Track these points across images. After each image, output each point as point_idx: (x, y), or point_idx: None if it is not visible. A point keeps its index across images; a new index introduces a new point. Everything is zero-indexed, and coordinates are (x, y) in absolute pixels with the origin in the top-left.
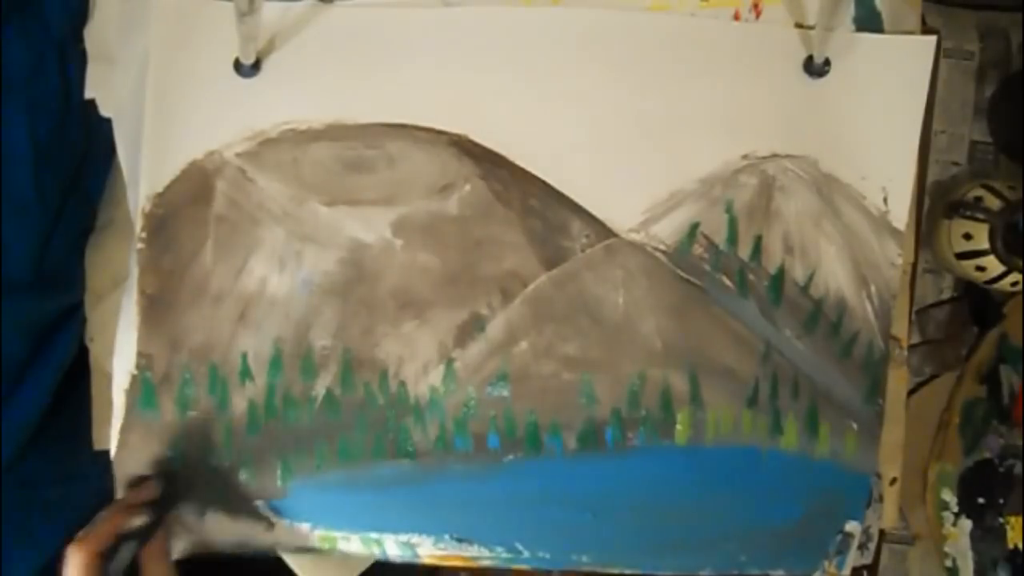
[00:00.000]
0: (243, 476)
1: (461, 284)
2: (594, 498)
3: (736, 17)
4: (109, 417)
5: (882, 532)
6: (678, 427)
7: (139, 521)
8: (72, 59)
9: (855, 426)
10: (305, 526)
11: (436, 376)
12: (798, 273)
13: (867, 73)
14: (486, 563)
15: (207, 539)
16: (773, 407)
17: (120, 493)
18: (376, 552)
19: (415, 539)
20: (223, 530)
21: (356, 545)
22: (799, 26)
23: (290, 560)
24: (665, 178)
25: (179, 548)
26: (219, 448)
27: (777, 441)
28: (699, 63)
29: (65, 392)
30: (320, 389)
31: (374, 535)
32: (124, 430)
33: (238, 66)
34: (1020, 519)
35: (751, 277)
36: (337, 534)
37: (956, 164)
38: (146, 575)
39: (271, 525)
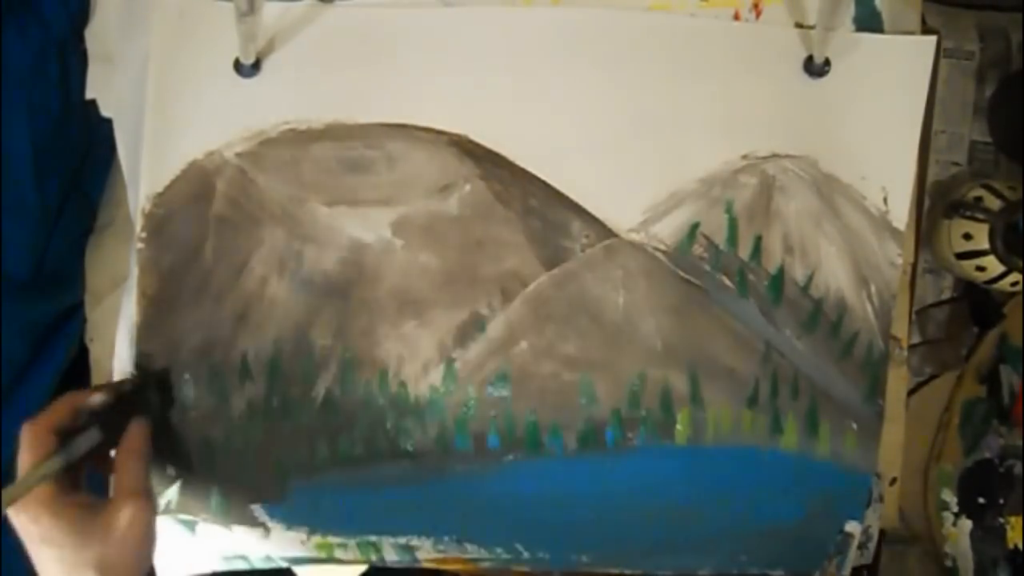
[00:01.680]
0: (241, 477)
1: (461, 284)
2: (594, 498)
3: (736, 17)
4: None
5: (882, 532)
6: (678, 427)
7: (98, 399)
8: (72, 59)
9: (855, 426)
10: (302, 531)
11: (436, 376)
12: (798, 273)
13: (867, 73)
14: (486, 564)
15: (197, 555)
16: (773, 407)
17: None
18: (374, 559)
19: (414, 541)
20: (216, 542)
21: (353, 552)
22: (799, 26)
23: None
24: (665, 178)
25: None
26: (217, 448)
27: (777, 441)
28: (699, 63)
29: (65, 392)
30: (320, 389)
31: (372, 539)
32: None
33: (238, 66)
34: (1020, 519)
35: (751, 277)
36: (334, 540)
37: (956, 164)
38: (118, 474)
39: (267, 531)
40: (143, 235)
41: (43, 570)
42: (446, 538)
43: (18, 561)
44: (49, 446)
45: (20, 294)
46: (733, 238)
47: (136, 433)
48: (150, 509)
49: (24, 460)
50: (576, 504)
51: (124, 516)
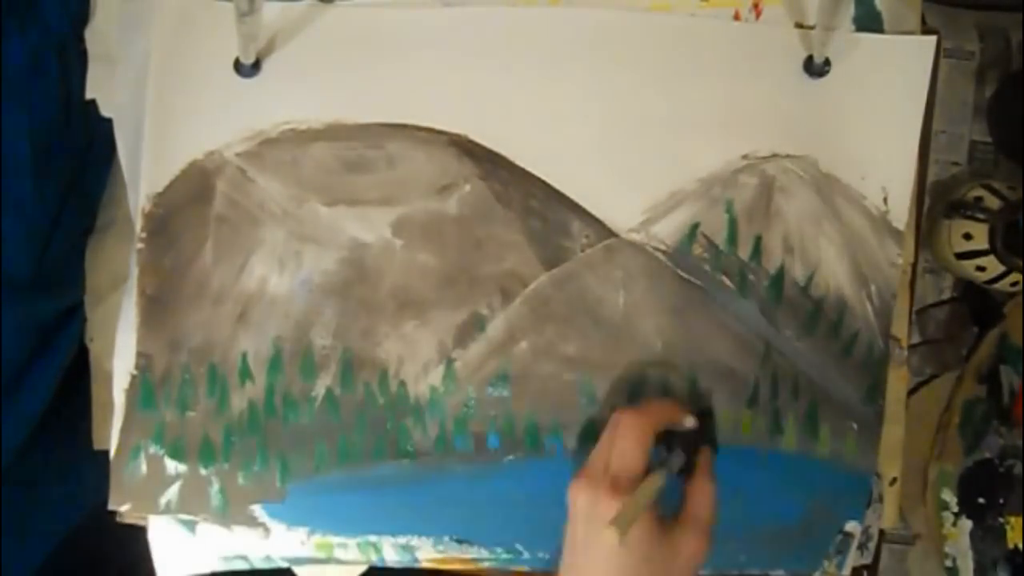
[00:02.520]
0: (241, 478)
1: (461, 284)
2: None
3: (736, 17)
4: (109, 417)
5: (882, 532)
6: None
7: (691, 422)
8: (72, 59)
9: (855, 426)
10: (302, 531)
11: (436, 376)
12: (798, 273)
13: (867, 73)
14: (486, 564)
15: (197, 555)
16: (773, 407)
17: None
18: (374, 558)
19: (414, 541)
20: (216, 542)
21: (353, 552)
22: (799, 26)
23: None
24: (665, 178)
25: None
26: (217, 449)
27: (777, 441)
28: (699, 63)
29: (65, 392)
30: (320, 389)
31: (372, 539)
32: (124, 430)
33: (238, 66)
34: (1020, 519)
35: (751, 277)
36: (334, 540)
37: (956, 164)
38: (692, 502)
39: (267, 531)
40: (143, 235)
41: (592, 562)
42: (446, 538)
43: (18, 558)
44: (649, 446)
45: (20, 294)
46: (733, 238)
47: (709, 463)
48: (709, 549)
49: (628, 449)
50: None
51: (690, 546)
